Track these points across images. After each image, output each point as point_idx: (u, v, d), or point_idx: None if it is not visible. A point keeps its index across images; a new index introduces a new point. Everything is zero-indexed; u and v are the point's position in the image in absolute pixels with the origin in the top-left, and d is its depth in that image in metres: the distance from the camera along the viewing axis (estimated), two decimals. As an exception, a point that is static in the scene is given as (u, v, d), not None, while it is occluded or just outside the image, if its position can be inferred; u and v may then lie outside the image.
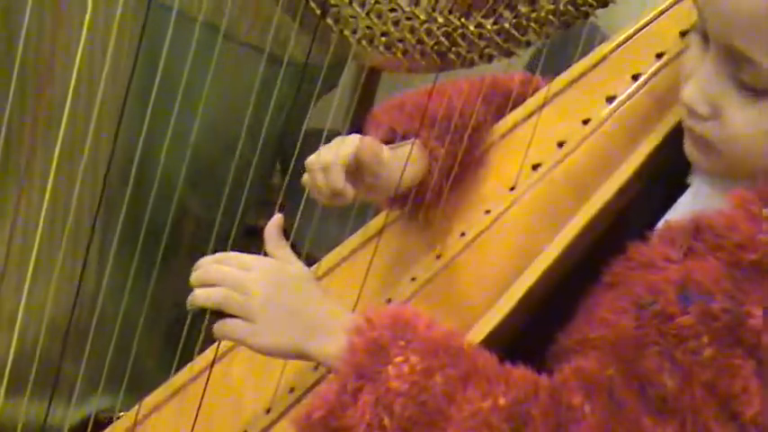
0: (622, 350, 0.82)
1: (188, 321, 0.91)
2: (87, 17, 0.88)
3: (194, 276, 0.87)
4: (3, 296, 1.36)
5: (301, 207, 0.98)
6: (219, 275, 0.86)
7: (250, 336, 0.84)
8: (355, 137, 0.99)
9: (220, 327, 0.85)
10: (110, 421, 1.04)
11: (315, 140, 0.98)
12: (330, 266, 1.11)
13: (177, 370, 1.07)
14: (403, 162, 1.01)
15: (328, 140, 0.98)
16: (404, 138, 1.07)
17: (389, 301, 1.05)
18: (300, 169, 0.99)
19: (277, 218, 0.91)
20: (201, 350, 1.05)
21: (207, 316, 0.86)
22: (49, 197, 1.24)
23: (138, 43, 0.88)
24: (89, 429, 1.07)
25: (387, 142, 1.07)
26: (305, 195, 0.99)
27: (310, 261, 1.06)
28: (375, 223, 1.13)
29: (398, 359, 0.81)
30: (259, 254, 0.89)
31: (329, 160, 0.97)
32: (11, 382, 0.95)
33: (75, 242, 1.37)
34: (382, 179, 1.01)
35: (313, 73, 1.05)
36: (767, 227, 0.79)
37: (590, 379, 0.81)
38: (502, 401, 0.80)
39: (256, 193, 1.48)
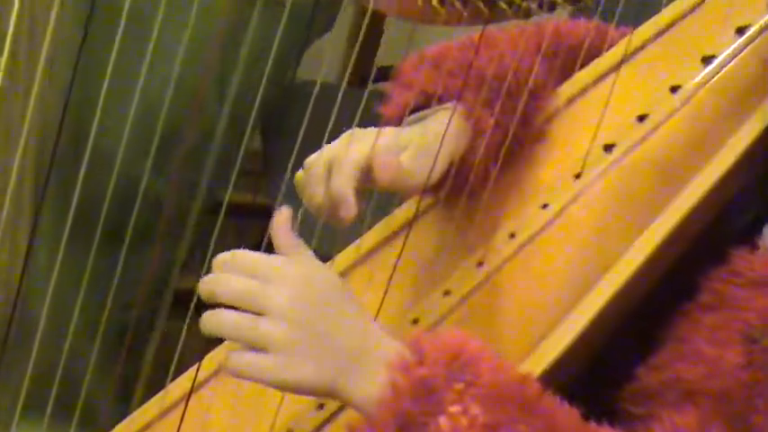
0: (728, 400, 0.78)
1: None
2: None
3: (202, 287, 0.79)
4: None
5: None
6: (230, 292, 0.78)
7: (270, 372, 0.77)
8: (371, 135, 0.90)
9: (235, 363, 0.78)
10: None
11: (305, 96, 0.89)
12: (341, 270, 1.01)
13: (144, 396, 0.99)
14: (436, 142, 0.91)
15: (321, 95, 0.88)
16: (440, 102, 0.97)
17: (416, 321, 0.96)
18: (291, 132, 0.90)
19: (285, 212, 0.82)
20: (176, 373, 0.97)
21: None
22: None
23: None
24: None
25: (417, 109, 0.97)
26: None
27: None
28: (401, 213, 1.04)
29: (454, 408, 0.74)
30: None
31: (338, 156, 0.88)
32: None
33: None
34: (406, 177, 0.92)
35: (303, 12, 0.98)
36: None
37: None
38: None
39: (230, 161, 1.43)
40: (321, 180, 0.89)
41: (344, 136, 0.90)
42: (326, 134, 0.90)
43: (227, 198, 0.95)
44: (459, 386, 0.75)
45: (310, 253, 0.82)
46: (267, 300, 0.78)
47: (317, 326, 0.78)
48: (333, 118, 0.88)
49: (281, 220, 0.82)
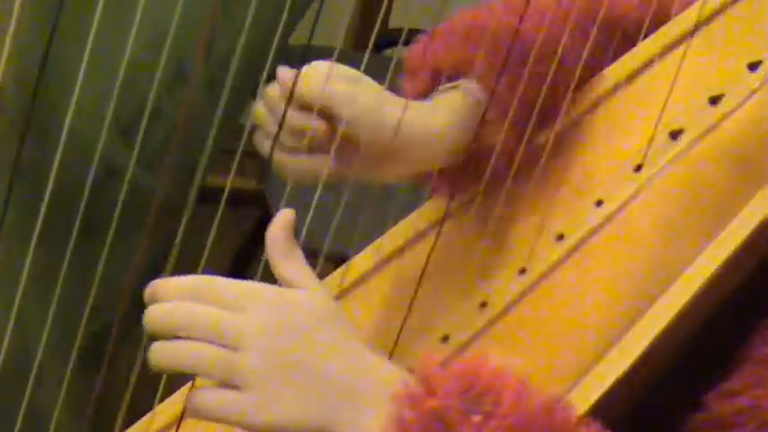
0: None
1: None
2: None
3: (152, 316, 0.73)
4: None
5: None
6: (192, 322, 0.72)
7: (246, 413, 0.71)
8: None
9: (199, 401, 0.73)
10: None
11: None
12: (357, 277, 0.95)
13: (126, 420, 0.92)
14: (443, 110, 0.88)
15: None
16: (450, 80, 0.91)
17: (446, 339, 0.90)
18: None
19: (285, 215, 0.77)
20: (165, 392, 0.92)
21: None
22: None
23: None
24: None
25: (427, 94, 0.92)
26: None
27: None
28: (430, 210, 0.97)
29: None
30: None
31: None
32: None
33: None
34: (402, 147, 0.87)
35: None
36: None
37: None
38: None
39: (218, 141, 1.33)
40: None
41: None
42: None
43: (229, 183, 0.88)
44: (478, 418, 0.70)
45: (306, 268, 0.77)
46: (238, 329, 0.72)
47: (298, 356, 0.73)
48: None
49: (280, 223, 0.76)
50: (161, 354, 0.72)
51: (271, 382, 0.72)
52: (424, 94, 0.92)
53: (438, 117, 0.89)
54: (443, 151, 0.89)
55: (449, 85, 0.92)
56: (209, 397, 0.72)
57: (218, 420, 0.73)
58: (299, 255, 0.77)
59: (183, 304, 0.73)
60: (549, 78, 0.92)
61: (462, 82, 0.91)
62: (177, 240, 0.82)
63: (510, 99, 0.91)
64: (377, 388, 0.73)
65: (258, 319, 0.73)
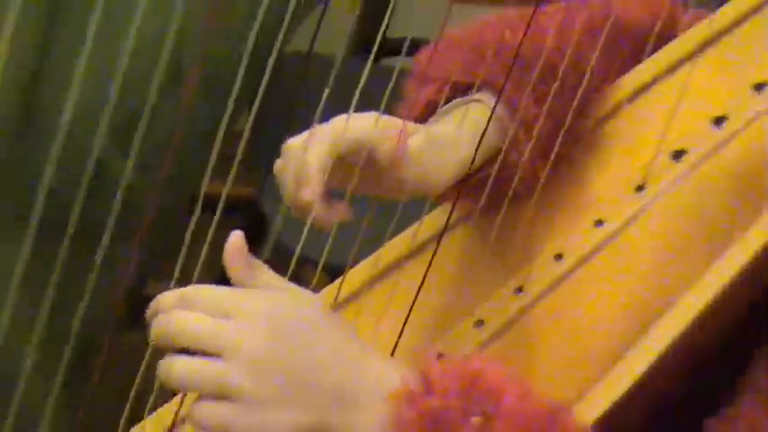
0: None
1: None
2: None
3: (152, 329, 0.77)
4: None
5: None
6: (182, 332, 0.75)
7: (238, 421, 0.74)
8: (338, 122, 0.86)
9: (200, 416, 0.75)
10: None
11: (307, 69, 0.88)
12: (353, 290, 0.98)
13: None
14: (468, 135, 0.89)
15: (320, 68, 0.87)
16: (466, 94, 0.93)
17: (440, 356, 0.87)
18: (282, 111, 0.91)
19: (235, 239, 0.79)
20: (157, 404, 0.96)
21: None
22: None
23: None
24: None
25: (434, 108, 0.95)
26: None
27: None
28: (429, 224, 1.00)
29: None
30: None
31: (299, 158, 0.86)
32: None
33: None
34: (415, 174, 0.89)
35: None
36: None
37: None
38: None
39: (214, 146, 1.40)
40: (287, 173, 0.87)
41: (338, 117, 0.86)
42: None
43: (225, 191, 0.87)
44: (478, 419, 0.73)
45: (273, 276, 0.80)
46: (229, 341, 0.75)
47: (291, 364, 0.76)
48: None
49: (233, 247, 0.78)
50: (163, 372, 0.75)
51: (265, 395, 0.73)
52: (434, 104, 0.93)
53: (463, 144, 0.91)
54: (463, 173, 0.91)
55: (470, 98, 0.94)
56: (207, 410, 0.74)
57: (217, 431, 0.75)
58: (266, 268, 0.79)
59: (174, 314, 0.76)
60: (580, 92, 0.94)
61: (481, 96, 0.93)
62: (183, 248, 0.82)
63: (533, 115, 0.93)
64: (375, 387, 0.75)
65: (246, 325, 0.75)
